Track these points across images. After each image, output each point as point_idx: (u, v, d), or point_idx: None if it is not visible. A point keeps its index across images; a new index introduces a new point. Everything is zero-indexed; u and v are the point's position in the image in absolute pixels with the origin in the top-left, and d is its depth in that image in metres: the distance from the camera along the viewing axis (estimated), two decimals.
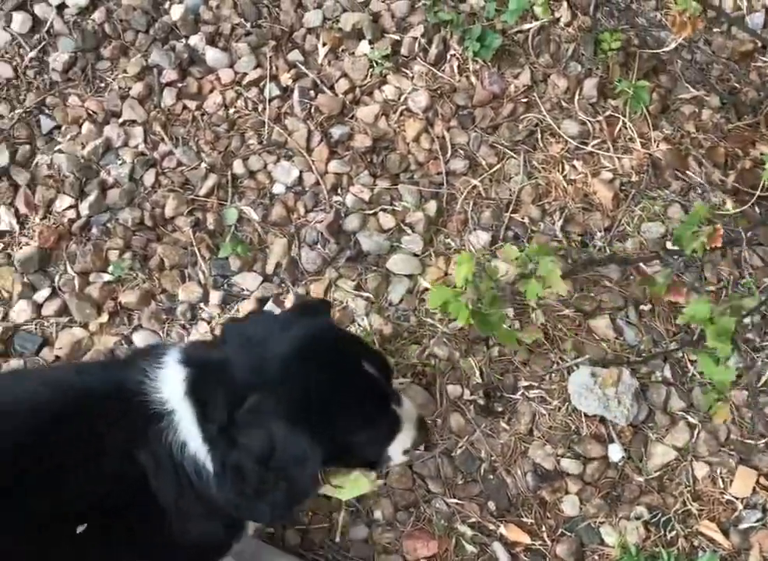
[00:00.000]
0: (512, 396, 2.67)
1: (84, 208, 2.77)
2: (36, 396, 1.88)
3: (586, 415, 2.63)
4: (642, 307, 2.77)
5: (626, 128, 3.03)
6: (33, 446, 1.80)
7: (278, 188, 2.88)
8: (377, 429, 2.01)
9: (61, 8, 2.97)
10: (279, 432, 1.82)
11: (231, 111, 2.94)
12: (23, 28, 2.95)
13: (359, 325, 2.72)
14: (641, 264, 2.78)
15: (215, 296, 2.74)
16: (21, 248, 2.72)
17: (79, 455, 1.82)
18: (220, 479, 1.86)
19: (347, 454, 1.96)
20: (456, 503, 2.55)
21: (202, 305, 2.74)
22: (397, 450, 2.06)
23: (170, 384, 1.88)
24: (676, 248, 2.54)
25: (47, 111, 2.88)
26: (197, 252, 2.77)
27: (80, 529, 1.81)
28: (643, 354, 2.71)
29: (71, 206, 2.77)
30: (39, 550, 1.83)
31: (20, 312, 2.66)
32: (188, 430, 1.86)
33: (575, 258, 2.80)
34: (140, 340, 2.66)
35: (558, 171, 2.95)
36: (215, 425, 1.84)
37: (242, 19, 3.03)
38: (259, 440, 1.82)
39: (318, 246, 2.82)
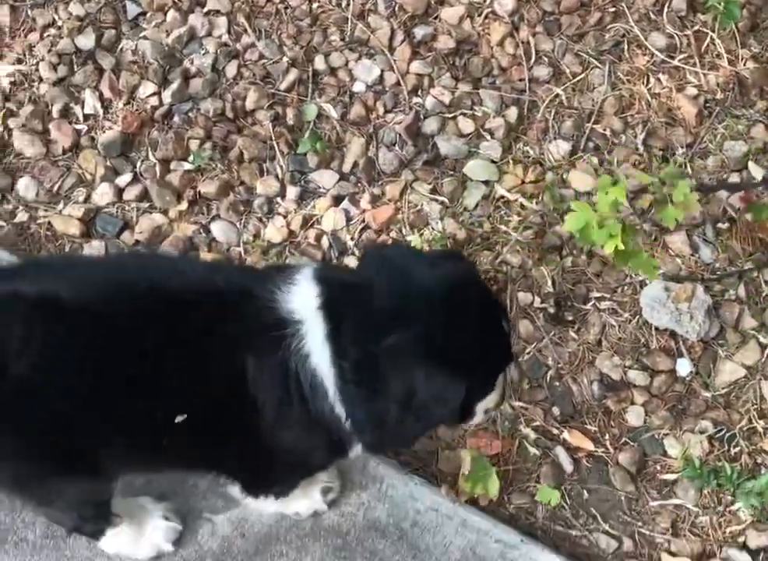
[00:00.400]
0: (582, 306, 2.67)
1: (167, 96, 2.78)
2: (166, 282, 1.87)
3: (656, 329, 2.63)
4: (719, 225, 2.75)
5: (714, 44, 2.96)
6: (149, 325, 1.81)
7: (358, 87, 2.86)
8: (493, 384, 1.96)
9: None
10: (420, 374, 1.77)
11: (315, 5, 2.92)
12: None
13: (433, 229, 2.72)
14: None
15: (292, 191, 2.75)
16: (104, 132, 2.74)
17: (191, 348, 1.82)
18: (358, 425, 1.85)
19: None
20: (521, 407, 2.58)
21: (278, 199, 2.75)
22: (482, 408, 1.99)
23: (302, 296, 1.83)
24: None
25: None
26: (276, 146, 2.78)
27: (179, 419, 1.83)
28: (718, 272, 2.69)
29: (154, 93, 2.78)
30: (138, 437, 1.88)
31: (102, 194, 2.70)
32: (314, 344, 1.81)
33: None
34: (218, 229, 2.69)
35: (643, 83, 2.91)
36: (350, 358, 1.79)
37: None
38: (401, 384, 1.77)
39: (396, 147, 2.81)
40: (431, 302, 1.81)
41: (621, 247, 2.04)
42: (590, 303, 2.67)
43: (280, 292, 1.84)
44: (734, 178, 2.83)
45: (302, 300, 1.83)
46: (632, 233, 2.08)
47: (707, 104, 2.90)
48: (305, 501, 2.31)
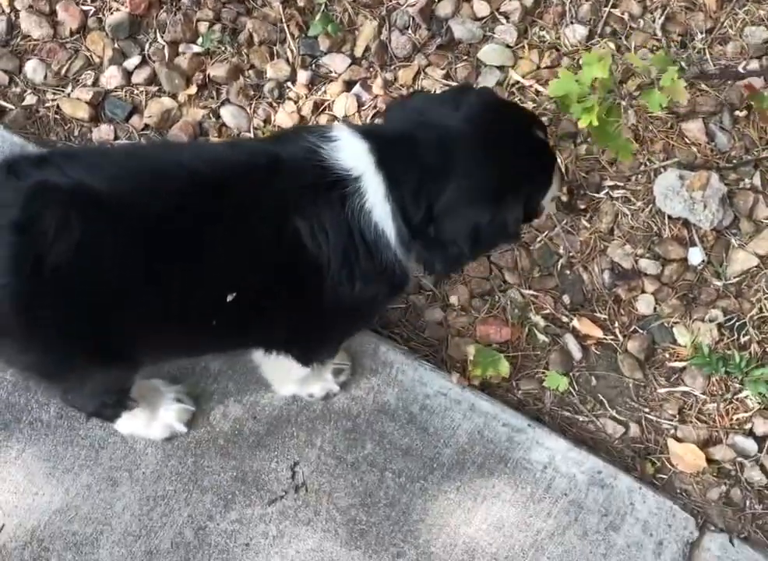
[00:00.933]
0: (595, 194, 2.65)
1: None
2: (193, 166, 1.85)
3: (669, 217, 2.61)
4: (737, 113, 2.70)
5: None
6: (189, 210, 1.81)
7: None
8: (549, 185, 2.07)
9: None
10: (481, 217, 1.91)
11: None
12: None
13: None
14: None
15: (302, 75, 2.71)
16: (112, 13, 2.69)
17: (238, 222, 1.83)
18: (430, 267, 2.01)
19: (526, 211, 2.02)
20: (531, 295, 2.58)
21: (289, 84, 2.71)
22: (547, 201, 2.11)
23: (353, 153, 1.88)
24: None
25: None
26: (286, 29, 2.72)
27: (230, 297, 1.85)
28: (734, 161, 2.66)
29: None
30: (188, 322, 1.90)
31: (111, 77, 2.66)
32: (376, 199, 1.87)
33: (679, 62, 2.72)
34: (228, 114, 2.66)
35: None
36: (415, 215, 1.90)
37: None
38: (466, 230, 1.92)
39: (409, 31, 2.75)
40: (473, 145, 1.92)
41: (596, 123, 2.06)
42: (603, 191, 2.65)
43: (326, 151, 1.88)
44: (754, 65, 2.77)
45: (355, 157, 1.89)
46: (616, 114, 2.08)
47: None
48: (319, 382, 2.36)
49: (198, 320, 1.90)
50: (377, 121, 2.66)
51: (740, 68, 2.75)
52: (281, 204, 1.85)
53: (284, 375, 2.32)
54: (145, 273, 1.79)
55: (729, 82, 2.73)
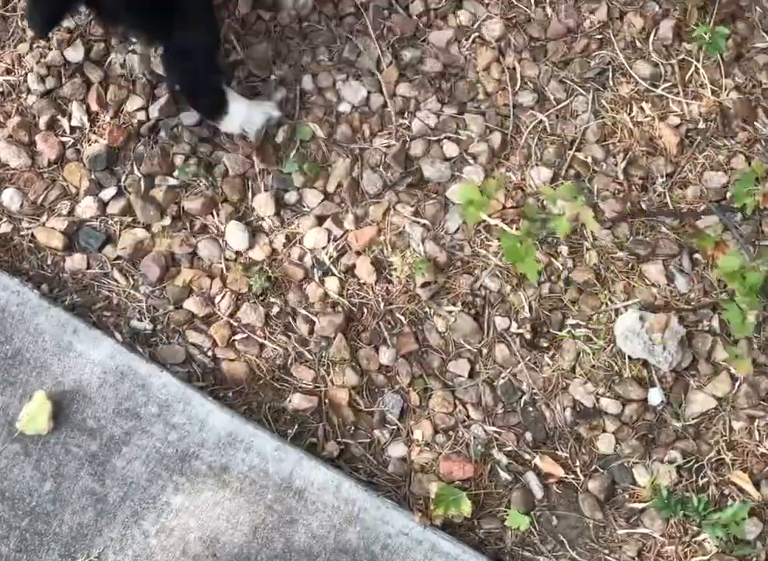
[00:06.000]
0: (558, 332, 2.71)
1: (154, 110, 2.79)
2: None
3: (629, 358, 2.67)
4: (696, 255, 2.78)
5: (698, 73, 3.00)
6: None
7: (345, 107, 2.88)
8: None
9: None
10: None
11: (305, 24, 2.93)
12: None
13: (414, 250, 2.75)
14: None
15: (275, 209, 2.77)
16: (90, 145, 2.76)
17: None
18: None
19: None
20: (495, 431, 2.61)
21: (262, 217, 2.77)
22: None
23: None
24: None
25: None
26: (261, 164, 2.80)
27: None
28: (693, 303, 2.73)
29: (141, 108, 2.79)
30: None
31: (86, 208, 2.71)
32: None
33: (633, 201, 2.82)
34: (200, 246, 2.72)
35: (626, 111, 2.94)
36: None
37: None
38: None
39: (381, 169, 2.84)
40: None
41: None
42: (566, 329, 2.71)
43: None
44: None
45: None
46: (531, 236, 2.22)
47: (689, 134, 2.94)
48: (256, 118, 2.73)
49: None
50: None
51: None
52: None
53: None
54: None
55: (689, 226, 2.83)
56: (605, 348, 2.69)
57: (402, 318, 2.71)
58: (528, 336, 2.69)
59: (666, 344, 2.63)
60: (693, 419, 2.64)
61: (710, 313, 2.73)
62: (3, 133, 2.75)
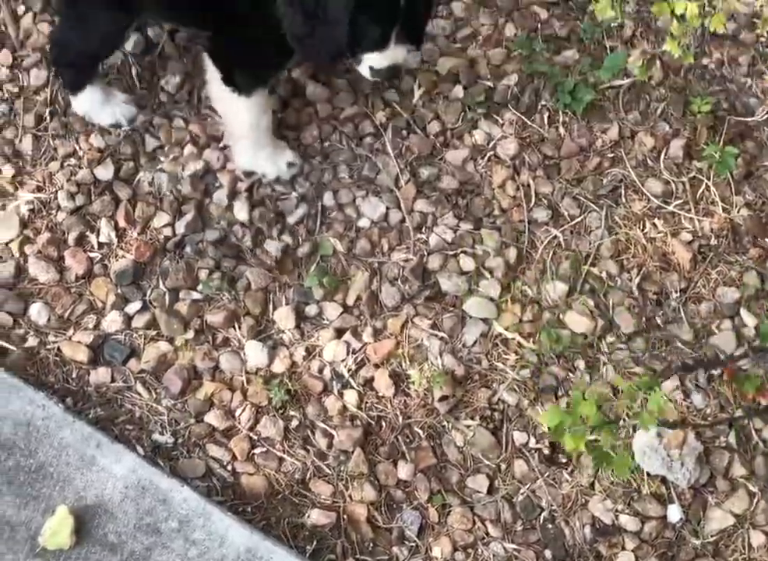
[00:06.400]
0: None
1: (180, 226, 2.87)
2: None
3: (648, 474, 2.68)
4: (712, 371, 2.81)
5: (709, 191, 3.08)
6: None
7: (364, 222, 2.96)
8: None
9: (173, 32, 3.09)
10: None
11: (326, 144, 3.04)
12: (136, 48, 3.07)
13: (432, 364, 2.79)
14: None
15: (296, 322, 2.82)
16: (117, 260, 2.83)
17: None
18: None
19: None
20: (514, 549, 2.61)
21: (283, 329, 2.82)
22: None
23: None
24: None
25: (152, 131, 2.99)
26: (283, 278, 2.86)
27: None
28: (709, 419, 2.75)
29: (168, 224, 2.87)
30: None
31: (112, 322, 2.77)
32: None
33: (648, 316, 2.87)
34: (222, 359, 2.76)
35: (639, 228, 3.01)
36: None
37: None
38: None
39: (399, 282, 2.90)
40: None
41: (582, 449, 2.12)
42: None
43: None
44: (727, 324, 2.91)
45: None
46: (610, 436, 2.14)
47: (701, 250, 3.00)
48: (274, 166, 2.92)
49: None
50: None
51: (713, 328, 2.90)
52: None
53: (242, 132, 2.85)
54: None
55: (703, 340, 2.87)
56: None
57: (420, 432, 2.73)
58: (547, 451, 2.71)
59: (684, 460, 2.64)
60: (712, 536, 2.64)
61: (727, 429, 2.74)
62: (33, 249, 2.83)
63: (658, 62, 3.23)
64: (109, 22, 2.74)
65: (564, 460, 2.71)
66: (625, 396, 2.27)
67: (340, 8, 2.41)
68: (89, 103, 2.92)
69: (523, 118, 3.11)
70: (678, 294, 2.94)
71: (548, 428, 2.33)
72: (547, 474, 2.69)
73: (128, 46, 3.06)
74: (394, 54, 2.55)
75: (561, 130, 3.12)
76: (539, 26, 3.27)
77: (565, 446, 2.09)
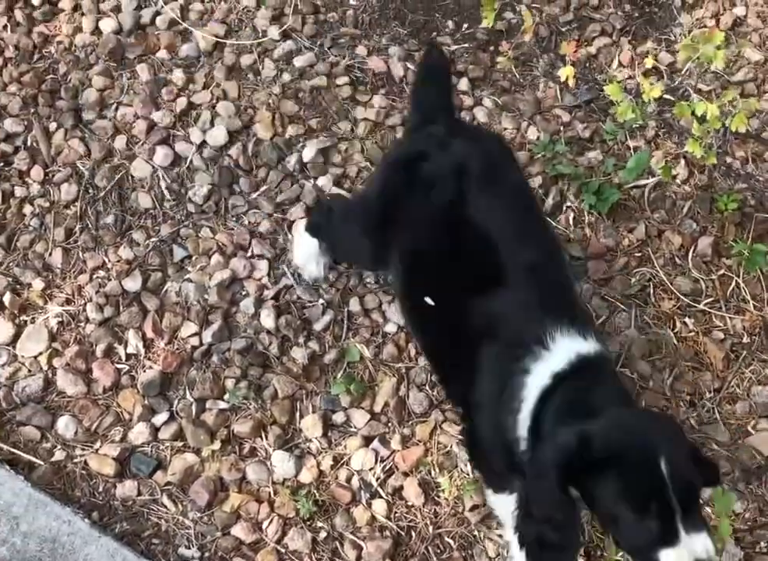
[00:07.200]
0: (610, 556, 2.64)
1: (207, 336, 2.89)
2: None
3: None
4: (749, 473, 2.74)
5: (739, 288, 3.05)
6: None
7: (390, 327, 2.95)
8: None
9: (201, 146, 3.16)
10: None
11: None
12: (165, 162, 3.14)
13: (461, 471, 2.74)
14: None
15: (323, 431, 2.80)
16: (145, 371, 2.84)
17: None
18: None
19: None
20: None
21: (310, 438, 2.80)
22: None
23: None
24: None
25: (180, 241, 3.03)
26: (310, 385, 2.85)
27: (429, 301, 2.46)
28: (749, 523, 2.67)
29: (194, 333, 2.89)
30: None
31: (138, 433, 2.76)
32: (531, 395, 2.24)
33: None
34: (249, 469, 2.73)
35: (669, 327, 2.98)
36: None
37: (368, 163, 3.17)
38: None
39: (426, 387, 2.87)
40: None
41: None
42: (619, 553, 2.64)
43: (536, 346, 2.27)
44: (763, 424, 2.85)
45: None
46: None
47: (734, 348, 2.96)
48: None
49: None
50: None
51: (749, 428, 2.84)
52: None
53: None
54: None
55: (739, 441, 2.81)
56: None
57: (451, 542, 2.67)
58: (582, 559, 2.63)
59: None
60: None
61: (766, 533, 2.65)
62: (61, 362, 2.85)
63: (682, 161, 3.23)
64: None
65: None
66: None
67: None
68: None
69: (549, 219, 3.11)
70: (712, 393, 2.89)
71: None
72: None
73: (158, 160, 3.13)
74: (690, 546, 1.94)
75: (587, 230, 3.12)
76: (562, 128, 3.30)
77: None
